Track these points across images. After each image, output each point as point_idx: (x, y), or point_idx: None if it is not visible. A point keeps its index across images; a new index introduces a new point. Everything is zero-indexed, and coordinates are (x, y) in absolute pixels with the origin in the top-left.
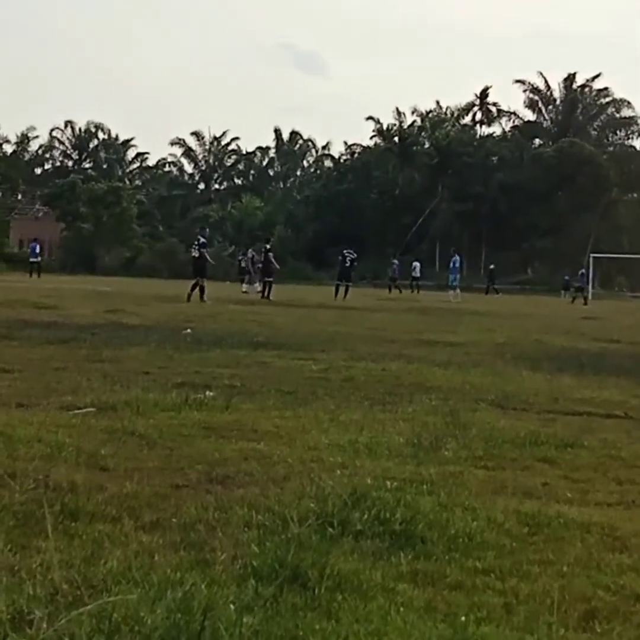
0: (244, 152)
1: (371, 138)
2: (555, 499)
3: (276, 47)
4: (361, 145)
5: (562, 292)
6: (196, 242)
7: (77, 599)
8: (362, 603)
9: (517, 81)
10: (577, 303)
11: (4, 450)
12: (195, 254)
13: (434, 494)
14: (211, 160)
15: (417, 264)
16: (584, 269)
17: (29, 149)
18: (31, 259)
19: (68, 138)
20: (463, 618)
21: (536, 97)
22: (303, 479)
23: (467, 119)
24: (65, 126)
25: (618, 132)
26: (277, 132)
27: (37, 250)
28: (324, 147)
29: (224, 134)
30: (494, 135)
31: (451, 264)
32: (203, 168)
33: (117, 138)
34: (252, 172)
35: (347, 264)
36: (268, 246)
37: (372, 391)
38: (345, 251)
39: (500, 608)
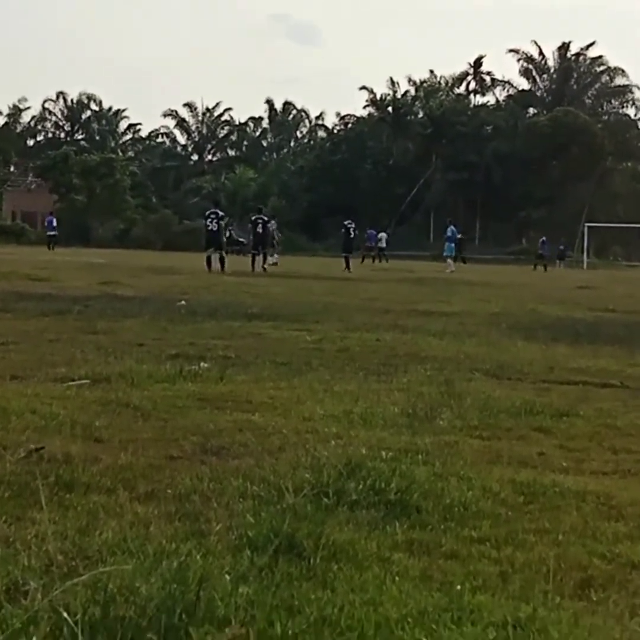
0: (237, 123)
1: (365, 108)
2: (550, 468)
3: (270, 17)
4: (355, 116)
5: (557, 262)
6: (214, 215)
7: (72, 569)
8: (357, 572)
9: (511, 50)
10: (538, 270)
11: None
12: (213, 226)
13: (429, 463)
14: (204, 131)
15: (383, 235)
16: (544, 237)
17: (21, 120)
18: (49, 233)
19: (60, 109)
20: (458, 587)
21: (530, 66)
22: (298, 449)
23: (461, 89)
24: (57, 97)
25: (612, 100)
26: (270, 102)
27: (54, 224)
28: (317, 118)
29: (217, 105)
30: (488, 104)
31: (447, 234)
32: (196, 139)
33: (109, 109)
34: (245, 143)
35: (351, 236)
36: (265, 217)
37: (366, 361)
38: (346, 223)
39: (495, 577)
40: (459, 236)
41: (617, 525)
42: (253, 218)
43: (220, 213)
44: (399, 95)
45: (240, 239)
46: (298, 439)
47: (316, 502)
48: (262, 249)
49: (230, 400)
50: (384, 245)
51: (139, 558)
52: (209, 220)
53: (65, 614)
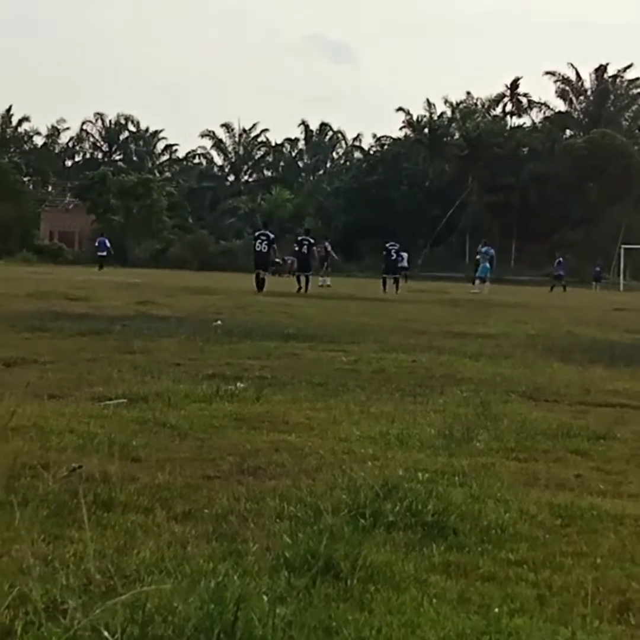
0: (274, 144)
1: (401, 129)
2: (588, 491)
3: (306, 38)
4: (391, 137)
5: (594, 284)
6: (264, 236)
7: (111, 588)
8: (394, 594)
9: (548, 72)
10: (556, 291)
11: (37, 441)
12: (263, 248)
13: (466, 485)
14: (241, 152)
15: (405, 255)
16: (561, 257)
17: (60, 141)
18: (100, 253)
19: (98, 130)
20: (496, 610)
21: (567, 88)
22: (334, 470)
23: (498, 110)
24: (96, 118)
25: None
26: (305, 124)
27: (108, 245)
28: (354, 139)
29: (254, 126)
30: (525, 126)
31: (482, 253)
32: (233, 160)
33: (146, 130)
34: (281, 163)
35: (393, 257)
36: (311, 239)
37: (402, 383)
38: (388, 244)
39: (533, 600)
40: (478, 257)
41: None
42: (299, 239)
43: (271, 235)
44: (435, 117)
45: (277, 260)
46: (334, 459)
47: (353, 523)
48: (306, 271)
49: (266, 420)
50: (405, 264)
51: (176, 578)
52: (259, 241)
53: (105, 633)
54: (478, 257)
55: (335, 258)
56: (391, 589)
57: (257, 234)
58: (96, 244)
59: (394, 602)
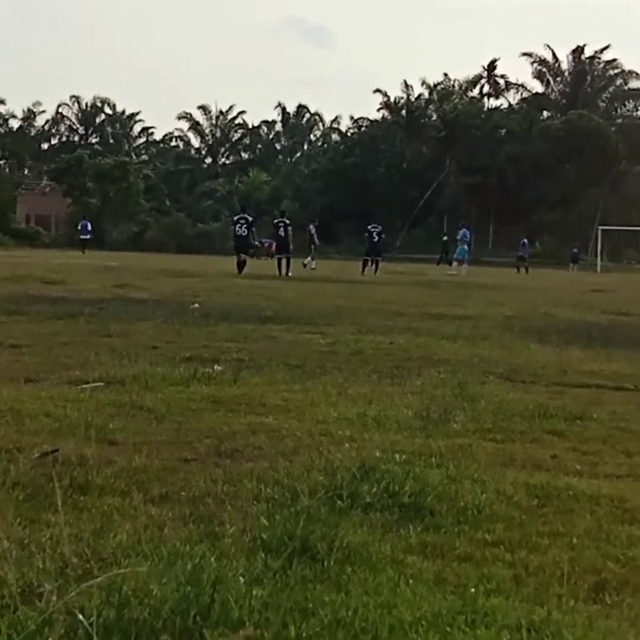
0: (251, 126)
1: (378, 111)
2: (564, 471)
3: (285, 20)
4: (368, 119)
5: (571, 265)
6: (243, 220)
7: (87, 572)
8: (371, 575)
9: (525, 54)
10: (521, 272)
11: (13, 425)
12: (243, 231)
13: (443, 466)
14: (218, 135)
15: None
16: (525, 239)
17: (35, 124)
18: (82, 236)
19: (74, 113)
20: (472, 590)
21: (544, 69)
22: (312, 452)
23: (475, 92)
24: (72, 101)
25: (627, 103)
26: (282, 106)
27: (89, 228)
28: (333, 121)
29: (230, 108)
30: (502, 107)
31: (459, 236)
32: (210, 142)
33: (123, 113)
34: (259, 146)
35: (375, 239)
36: (287, 220)
37: (380, 364)
38: (370, 226)
39: (509, 580)
40: (444, 238)
41: (631, 529)
42: (275, 221)
43: (250, 218)
44: (412, 99)
45: (255, 242)
46: (312, 441)
47: (330, 505)
48: (286, 253)
49: (243, 402)
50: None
51: (153, 560)
52: (239, 225)
53: (80, 616)
54: (445, 238)
55: (316, 243)
56: (368, 570)
57: (236, 218)
58: (79, 227)
59: (371, 583)
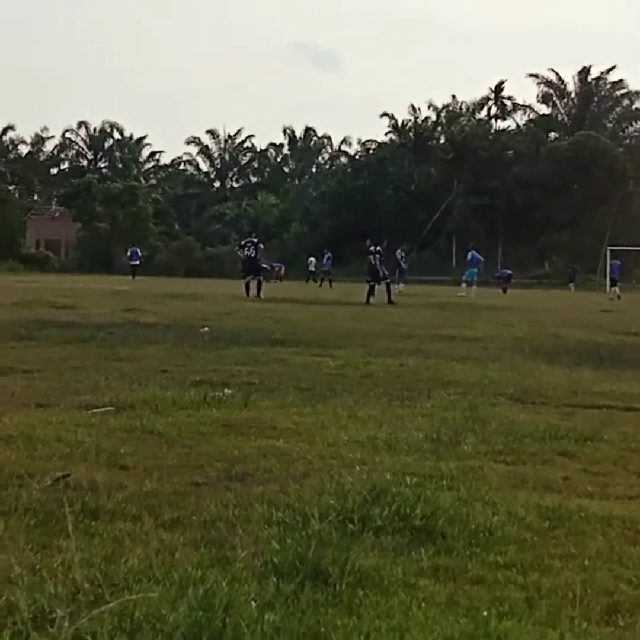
0: (259, 149)
1: (386, 134)
2: (575, 493)
3: (293, 45)
4: (376, 142)
5: (570, 285)
6: (251, 243)
7: (99, 597)
8: (383, 599)
9: (531, 75)
10: (507, 292)
11: (24, 450)
12: (251, 253)
13: (454, 489)
14: (226, 158)
15: (312, 260)
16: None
17: (44, 149)
18: (131, 262)
19: (83, 138)
20: (485, 613)
21: (550, 91)
22: (322, 475)
23: (482, 114)
24: (79, 126)
25: (633, 124)
26: (289, 130)
27: (139, 254)
28: (341, 144)
29: (238, 131)
30: (509, 129)
31: (468, 258)
32: (218, 166)
33: (131, 137)
34: (267, 169)
35: (373, 262)
36: (256, 239)
37: (390, 387)
38: (370, 247)
39: (522, 602)
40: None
41: None
42: (242, 242)
43: (256, 240)
44: (420, 121)
45: (264, 265)
46: (322, 464)
47: (341, 528)
48: (254, 274)
49: (254, 426)
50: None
51: (165, 585)
52: (246, 248)
53: None
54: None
55: (403, 267)
56: (380, 594)
57: (243, 242)
58: (128, 253)
59: (383, 606)
